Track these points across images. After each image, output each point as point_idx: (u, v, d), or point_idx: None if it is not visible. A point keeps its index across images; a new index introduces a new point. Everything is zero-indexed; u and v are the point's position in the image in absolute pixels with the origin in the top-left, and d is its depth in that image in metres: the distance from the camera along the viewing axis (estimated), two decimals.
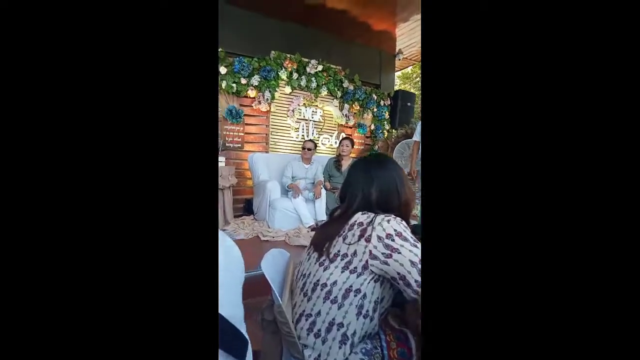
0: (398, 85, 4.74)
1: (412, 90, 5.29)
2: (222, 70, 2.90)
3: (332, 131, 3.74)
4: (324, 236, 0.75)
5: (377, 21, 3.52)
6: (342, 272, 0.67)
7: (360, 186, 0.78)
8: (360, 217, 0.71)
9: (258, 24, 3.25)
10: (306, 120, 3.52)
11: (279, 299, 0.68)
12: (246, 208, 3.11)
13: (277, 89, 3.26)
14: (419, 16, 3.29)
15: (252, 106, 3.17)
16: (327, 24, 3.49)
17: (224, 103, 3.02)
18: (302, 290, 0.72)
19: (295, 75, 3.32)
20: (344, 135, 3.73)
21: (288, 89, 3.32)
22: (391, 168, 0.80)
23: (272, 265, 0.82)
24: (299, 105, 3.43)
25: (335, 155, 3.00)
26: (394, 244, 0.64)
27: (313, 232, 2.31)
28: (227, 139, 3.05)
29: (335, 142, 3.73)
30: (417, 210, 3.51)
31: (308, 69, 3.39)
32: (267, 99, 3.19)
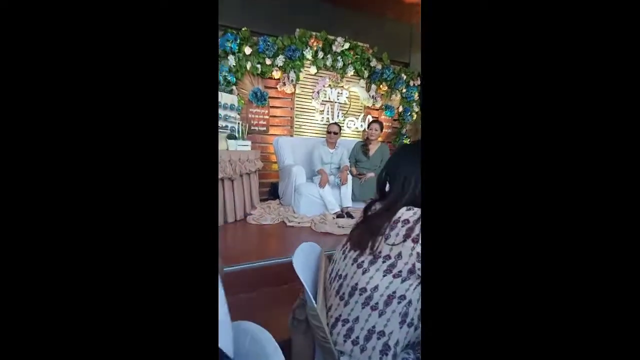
0: None
1: None
2: (247, 50, 2.82)
3: (358, 114, 3.60)
4: (361, 234, 0.70)
5: None
6: (384, 276, 0.61)
7: (408, 177, 0.70)
8: (405, 213, 0.64)
9: (282, 1, 3.10)
10: (331, 102, 3.40)
11: (313, 301, 0.65)
12: (272, 192, 3.12)
13: (302, 70, 3.15)
14: None
15: (276, 88, 3.09)
16: None
17: (249, 85, 2.97)
18: (338, 294, 0.67)
19: (320, 55, 3.17)
20: (370, 117, 3.59)
21: (313, 69, 3.20)
22: None
23: (303, 262, 0.79)
24: (324, 86, 3.31)
25: (362, 139, 2.90)
26: None
27: (338, 219, 2.28)
28: (252, 122, 3.02)
29: (362, 125, 3.60)
30: None
31: (334, 48, 3.22)
32: (292, 80, 3.09)
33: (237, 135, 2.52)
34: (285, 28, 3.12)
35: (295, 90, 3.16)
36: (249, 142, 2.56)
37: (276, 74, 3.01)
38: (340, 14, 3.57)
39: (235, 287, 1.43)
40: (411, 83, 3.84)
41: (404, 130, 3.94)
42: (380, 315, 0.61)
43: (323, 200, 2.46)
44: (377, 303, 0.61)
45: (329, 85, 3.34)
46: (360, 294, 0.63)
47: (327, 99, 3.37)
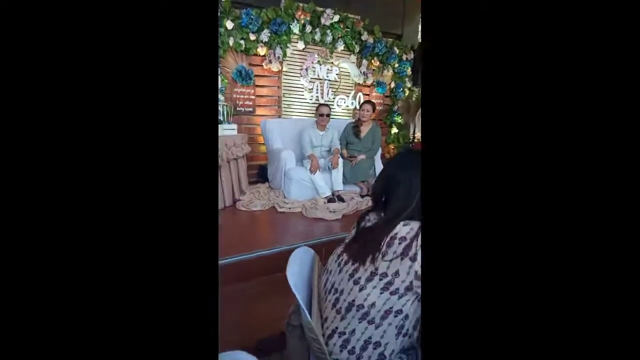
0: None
1: None
2: (229, 25, 2.61)
3: (349, 91, 3.47)
4: (358, 248, 0.67)
5: None
6: (381, 293, 0.60)
7: (409, 190, 0.65)
8: (402, 229, 0.61)
9: None
10: (320, 79, 3.25)
11: (308, 316, 0.63)
12: (260, 174, 3.06)
13: (288, 45, 2.96)
14: None
15: (262, 65, 2.92)
16: None
17: (233, 63, 2.79)
18: (335, 307, 0.66)
19: (308, 28, 2.98)
20: (362, 96, 3.48)
21: (301, 45, 3.02)
22: None
23: (297, 271, 0.77)
24: (312, 63, 3.14)
25: (353, 120, 2.81)
26: None
27: (329, 204, 2.26)
28: (237, 102, 2.88)
29: (352, 103, 3.49)
30: None
31: (323, 20, 3.02)
32: (279, 57, 2.92)
33: (222, 118, 2.40)
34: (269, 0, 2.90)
35: (282, 67, 2.99)
36: (234, 126, 2.45)
37: (261, 50, 2.83)
38: None
39: (229, 278, 1.43)
40: (404, 57, 3.69)
41: (395, 107, 3.85)
42: (376, 327, 0.61)
43: (314, 184, 2.42)
44: (373, 318, 0.61)
45: (318, 61, 3.18)
46: (358, 310, 0.62)
47: (316, 77, 3.22)
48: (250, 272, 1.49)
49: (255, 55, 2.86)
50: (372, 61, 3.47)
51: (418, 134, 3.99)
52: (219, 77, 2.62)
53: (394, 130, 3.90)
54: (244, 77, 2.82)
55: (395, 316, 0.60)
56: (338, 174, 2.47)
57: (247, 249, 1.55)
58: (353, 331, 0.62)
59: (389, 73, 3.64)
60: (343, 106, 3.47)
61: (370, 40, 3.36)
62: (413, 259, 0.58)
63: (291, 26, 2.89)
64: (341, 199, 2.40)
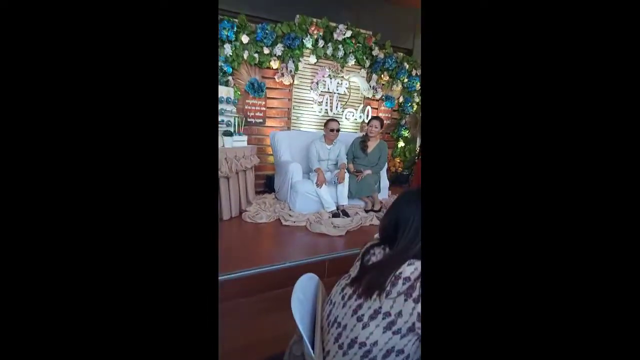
0: None
1: None
2: (244, 39, 2.69)
3: (358, 105, 3.52)
4: (363, 283, 0.70)
5: None
6: (383, 332, 0.63)
7: (417, 229, 0.68)
8: (406, 269, 0.64)
9: None
10: (330, 93, 3.31)
11: (311, 350, 0.67)
12: (267, 184, 3.12)
13: (301, 59, 3.03)
14: None
15: (274, 78, 2.99)
16: None
17: (246, 75, 2.86)
18: (337, 342, 0.70)
19: (321, 43, 3.04)
20: (371, 110, 3.53)
21: (313, 59, 3.08)
22: None
23: (301, 300, 0.81)
24: (323, 77, 3.20)
25: (361, 134, 2.85)
26: None
27: (334, 219, 2.30)
28: (248, 113, 2.95)
29: (361, 117, 3.54)
30: None
31: (335, 35, 3.09)
32: (291, 71, 2.99)
33: (232, 130, 2.46)
34: (284, 12, 2.97)
35: (293, 81, 3.06)
36: (245, 137, 2.51)
37: (274, 63, 2.90)
38: None
39: (231, 294, 1.47)
40: (413, 72, 3.73)
41: (403, 122, 3.89)
42: None
43: (320, 197, 2.46)
44: (375, 356, 0.64)
45: (329, 75, 3.24)
46: (360, 347, 0.65)
47: (326, 90, 3.28)
48: (253, 288, 1.54)
49: (268, 68, 2.93)
50: (382, 76, 3.52)
51: None
52: (232, 88, 2.69)
53: (401, 144, 3.93)
54: (256, 89, 2.89)
55: (397, 355, 0.63)
56: (344, 188, 2.51)
57: (250, 264, 1.60)
58: None
59: (398, 88, 3.68)
60: (351, 119, 3.51)
61: (381, 55, 3.41)
62: (416, 301, 0.60)
63: (304, 41, 2.96)
64: (346, 214, 2.43)
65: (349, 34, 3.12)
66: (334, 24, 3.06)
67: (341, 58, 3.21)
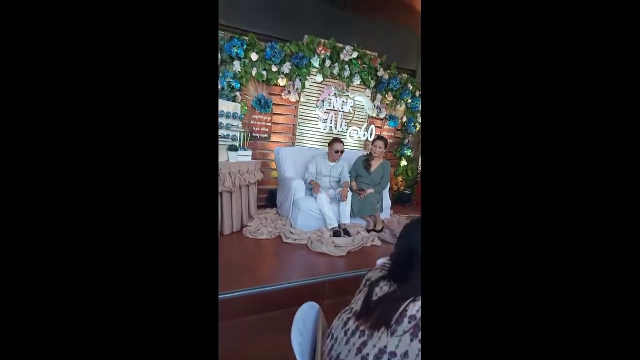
0: None
1: None
2: (254, 56, 2.77)
3: (362, 123, 3.57)
4: (367, 319, 0.68)
5: None
6: None
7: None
8: (411, 307, 0.62)
9: (291, 4, 3.03)
10: (335, 110, 3.36)
11: None
12: (269, 199, 3.12)
13: (307, 78, 3.10)
14: None
15: (280, 95, 3.05)
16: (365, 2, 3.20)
17: (253, 91, 2.92)
18: None
19: (328, 63, 3.12)
20: (374, 129, 3.56)
21: (319, 78, 3.15)
22: None
23: (301, 331, 0.79)
24: (329, 95, 3.26)
25: (365, 153, 2.87)
26: None
27: (335, 238, 2.28)
28: (254, 128, 2.99)
29: (364, 135, 3.57)
30: None
31: (342, 56, 3.17)
32: (297, 89, 3.05)
33: (237, 144, 2.49)
34: (293, 32, 3.06)
35: (299, 98, 3.12)
36: (249, 152, 2.53)
37: (281, 81, 2.96)
38: (348, 19, 3.50)
39: (228, 313, 1.44)
40: (417, 93, 3.80)
41: (406, 141, 3.92)
42: None
43: (322, 214, 2.46)
44: None
45: (335, 94, 3.30)
46: None
47: (332, 108, 3.33)
48: (251, 308, 1.51)
49: (276, 85, 2.99)
50: (386, 96, 3.58)
51: None
52: (239, 104, 2.74)
53: (403, 162, 3.95)
54: (263, 105, 2.94)
55: None
56: (346, 206, 2.51)
57: (249, 283, 1.58)
58: None
59: (401, 108, 3.74)
60: (355, 137, 3.55)
61: (386, 76, 3.48)
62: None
63: (312, 60, 3.03)
64: (347, 233, 2.42)
65: (355, 54, 3.20)
66: (341, 45, 3.15)
67: (347, 77, 3.28)
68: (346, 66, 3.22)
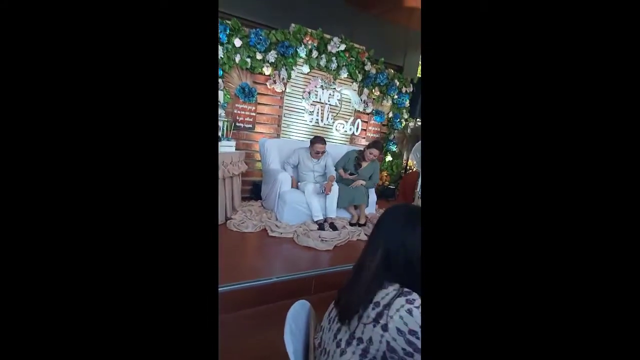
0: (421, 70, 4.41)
1: None
2: (237, 42, 2.64)
3: (348, 117, 3.54)
4: (341, 305, 0.66)
5: None
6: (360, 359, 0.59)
7: (411, 255, 0.62)
8: (378, 293, 0.60)
9: None
10: (322, 103, 3.30)
11: None
12: (253, 191, 3.03)
13: (294, 68, 3.01)
14: None
15: (265, 84, 2.94)
16: None
17: (237, 79, 2.80)
18: None
19: (314, 54, 3.04)
20: (361, 123, 3.54)
21: (306, 69, 3.07)
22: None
23: (293, 331, 0.75)
24: (316, 86, 3.20)
25: (357, 151, 2.80)
26: (419, 343, 0.53)
27: (320, 231, 2.25)
28: (237, 118, 2.88)
29: (350, 129, 3.55)
30: None
31: (329, 48, 3.10)
32: (283, 79, 2.96)
33: (221, 134, 2.38)
34: (279, 20, 2.96)
35: (285, 88, 3.03)
36: (233, 142, 2.43)
37: (267, 70, 2.86)
38: (337, 11, 3.44)
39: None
40: (404, 90, 3.81)
41: (391, 137, 3.94)
42: None
43: (309, 207, 2.41)
44: None
45: (321, 86, 3.23)
46: None
47: (318, 100, 3.27)
48: (235, 304, 1.45)
49: (260, 74, 2.89)
50: (373, 90, 3.56)
51: (410, 162, 4.08)
52: (222, 92, 2.62)
53: (389, 158, 3.98)
54: (247, 94, 2.83)
55: None
56: (332, 200, 2.47)
57: (235, 278, 1.51)
58: None
59: (388, 103, 3.74)
60: (341, 131, 3.52)
61: (373, 70, 3.46)
62: (384, 329, 0.56)
63: (298, 50, 2.95)
64: (334, 227, 2.39)
65: (342, 47, 3.15)
66: (328, 36, 3.08)
67: (334, 70, 3.23)
68: (333, 58, 3.16)
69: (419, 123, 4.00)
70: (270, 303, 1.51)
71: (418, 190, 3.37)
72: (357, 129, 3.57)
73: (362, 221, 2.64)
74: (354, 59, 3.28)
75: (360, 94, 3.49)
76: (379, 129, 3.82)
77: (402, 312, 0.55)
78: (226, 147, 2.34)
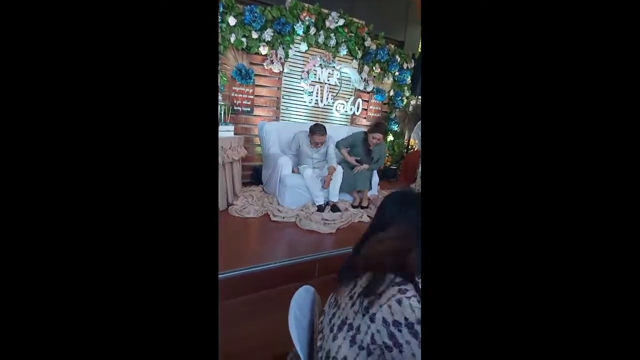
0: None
1: None
2: (231, 21, 2.52)
3: (349, 97, 3.44)
4: (337, 287, 0.66)
5: None
6: (350, 346, 0.58)
7: (403, 241, 0.61)
8: (362, 280, 0.60)
9: None
10: (321, 83, 3.21)
11: None
12: (254, 176, 3.02)
13: (291, 46, 2.89)
14: None
15: (263, 65, 2.84)
16: None
17: (233, 60, 2.70)
18: (319, 353, 0.66)
19: (312, 31, 2.91)
20: (361, 103, 3.45)
21: (304, 46, 2.95)
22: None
23: (298, 317, 0.76)
24: (314, 65, 3.09)
25: (363, 133, 2.67)
26: (400, 337, 0.53)
27: (324, 213, 2.25)
28: (235, 101, 2.81)
29: (351, 109, 3.47)
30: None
31: (327, 23, 2.96)
32: (281, 58, 2.85)
33: (219, 118, 2.33)
34: None
35: (283, 69, 2.93)
36: (231, 127, 2.39)
37: (263, 49, 2.75)
38: None
39: (220, 294, 1.40)
40: (405, 66, 3.68)
41: (393, 115, 3.86)
42: None
43: (310, 192, 2.40)
44: None
45: (320, 64, 3.12)
46: None
47: (317, 80, 3.17)
48: (237, 290, 1.47)
49: (257, 54, 2.78)
50: (374, 68, 3.44)
51: (412, 142, 4.02)
52: (218, 74, 2.54)
53: (390, 138, 3.91)
54: (244, 76, 2.74)
55: None
56: (335, 184, 2.45)
57: (235, 264, 1.53)
58: None
59: (389, 81, 3.63)
60: (342, 111, 3.44)
61: (373, 46, 3.32)
62: (372, 320, 0.55)
63: (295, 27, 2.82)
64: (336, 209, 2.39)
65: (341, 22, 3.00)
66: (326, 11, 2.94)
67: (333, 47, 3.10)
68: (332, 34, 3.03)
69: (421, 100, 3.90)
70: (273, 288, 1.53)
71: (420, 170, 3.35)
72: (358, 108, 3.49)
73: (364, 203, 2.64)
74: (353, 34, 3.14)
75: (360, 71, 3.38)
76: (380, 108, 3.74)
77: (392, 301, 0.54)
78: (224, 132, 2.30)
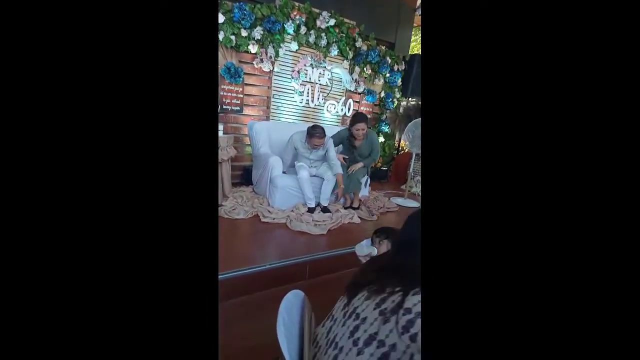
0: (413, 47, 4.28)
1: None
2: (220, 18, 2.47)
3: (340, 97, 3.43)
4: (370, 289, 0.62)
5: None
6: (348, 336, 0.56)
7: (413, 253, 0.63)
8: (410, 299, 0.55)
9: None
10: (312, 83, 3.18)
11: None
12: (244, 176, 2.96)
13: (282, 45, 2.86)
14: None
15: (252, 64, 2.80)
16: None
17: (222, 59, 2.64)
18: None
19: (303, 30, 2.89)
20: (352, 103, 3.44)
21: (294, 46, 2.92)
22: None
23: (287, 323, 0.72)
24: (305, 65, 3.06)
25: (346, 129, 2.62)
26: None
27: (314, 214, 2.22)
28: (224, 100, 2.75)
29: (342, 110, 3.45)
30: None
31: (318, 23, 2.94)
32: (271, 57, 2.81)
33: None
34: None
35: (273, 68, 2.89)
36: (221, 126, 2.33)
37: (252, 48, 2.70)
38: None
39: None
40: (395, 68, 3.70)
41: (384, 117, 3.86)
42: None
43: (302, 192, 2.36)
44: None
45: (311, 64, 3.10)
46: None
47: (308, 80, 3.14)
48: (227, 293, 1.42)
49: (246, 52, 2.73)
50: (365, 69, 3.44)
51: (402, 143, 4.03)
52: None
53: (381, 139, 3.92)
54: (233, 74, 2.69)
55: None
56: (327, 187, 2.41)
57: (228, 266, 1.48)
58: None
59: (379, 82, 3.63)
60: (333, 112, 3.42)
61: (364, 47, 3.32)
62: (413, 339, 0.53)
63: (285, 26, 2.79)
64: (327, 210, 2.36)
65: (332, 22, 2.99)
66: (317, 11, 2.91)
67: (324, 47, 3.08)
68: (323, 34, 3.01)
69: (412, 102, 3.92)
70: (264, 290, 1.49)
71: (410, 171, 3.35)
72: (349, 109, 3.48)
73: (355, 204, 2.61)
74: (344, 34, 3.13)
75: (351, 72, 3.37)
76: (370, 109, 3.73)
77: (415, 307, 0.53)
78: None
